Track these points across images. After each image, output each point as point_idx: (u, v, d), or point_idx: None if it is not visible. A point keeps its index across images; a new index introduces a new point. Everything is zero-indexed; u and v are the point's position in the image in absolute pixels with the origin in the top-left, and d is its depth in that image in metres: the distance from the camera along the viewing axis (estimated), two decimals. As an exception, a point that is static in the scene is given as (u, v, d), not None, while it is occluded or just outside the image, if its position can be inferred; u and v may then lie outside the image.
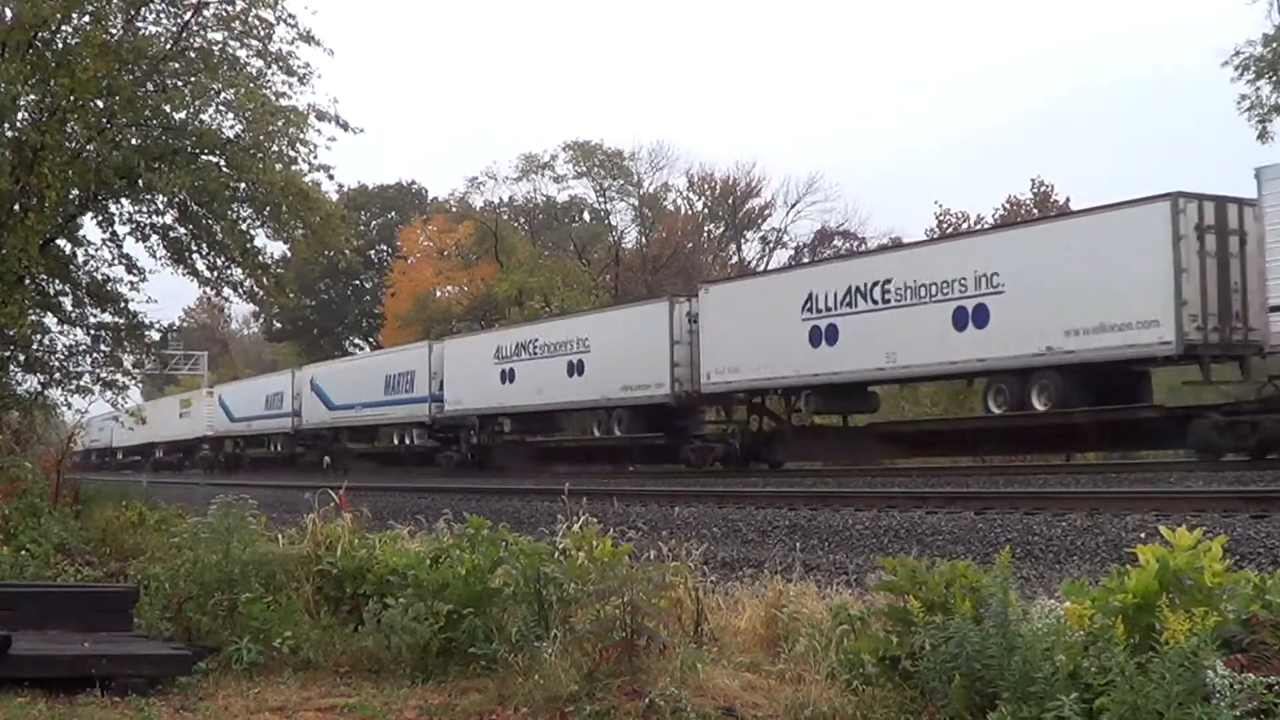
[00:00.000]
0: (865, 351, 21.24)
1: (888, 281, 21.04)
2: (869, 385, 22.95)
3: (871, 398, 24.14)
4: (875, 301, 21.19)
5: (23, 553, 9.20)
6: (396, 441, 35.67)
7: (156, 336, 20.15)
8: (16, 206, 14.62)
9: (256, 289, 18.45)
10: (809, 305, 22.41)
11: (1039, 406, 18.87)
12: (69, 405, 20.83)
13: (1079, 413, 18.57)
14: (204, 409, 46.69)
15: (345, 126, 16.55)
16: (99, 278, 17.71)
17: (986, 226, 26.20)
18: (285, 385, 42.11)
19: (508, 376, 30.12)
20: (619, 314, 29.12)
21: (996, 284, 19.20)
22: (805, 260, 27.61)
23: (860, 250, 26.90)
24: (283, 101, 16.27)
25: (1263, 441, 16.84)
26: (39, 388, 17.74)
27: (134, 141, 16.27)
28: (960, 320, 19.61)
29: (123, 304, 17.74)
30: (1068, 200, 40.53)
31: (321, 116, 16.38)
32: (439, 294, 53.92)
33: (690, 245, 51.10)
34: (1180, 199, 17.11)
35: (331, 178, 17.51)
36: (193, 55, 15.88)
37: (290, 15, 16.04)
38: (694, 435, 26.16)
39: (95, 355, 18.40)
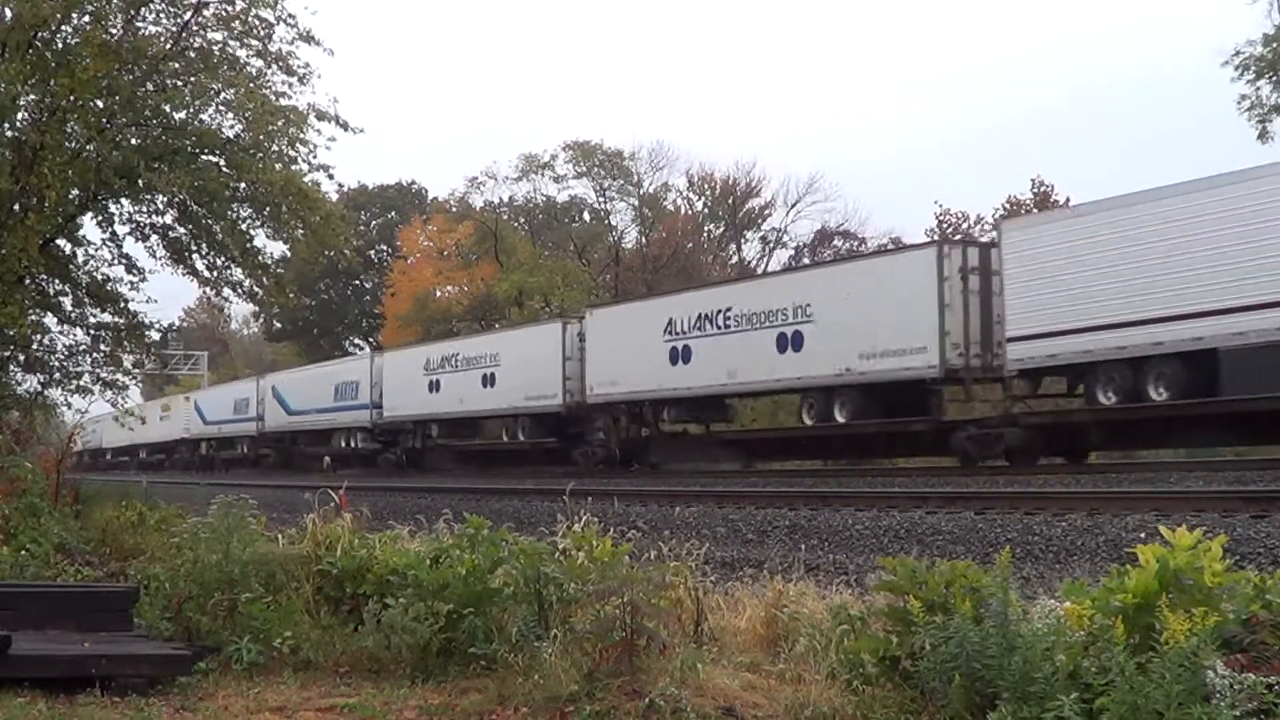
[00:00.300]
0: (713, 369, 24.63)
1: (729, 310, 24.51)
2: (718, 398, 26.02)
3: (727, 408, 27.22)
4: (720, 327, 24.68)
5: (23, 553, 9.20)
6: (343, 444, 39.05)
7: (156, 336, 20.20)
8: (16, 206, 14.63)
9: (256, 289, 18.46)
10: (669, 329, 25.81)
11: (840, 419, 22.27)
12: (69, 405, 20.85)
13: (869, 424, 22.01)
14: (181, 413, 49.42)
15: (345, 126, 16.57)
16: (99, 278, 17.72)
17: (805, 263, 31.52)
18: (251, 392, 45.21)
19: (435, 387, 33.61)
20: (523, 332, 32.81)
21: (809, 314, 22.63)
22: (675, 289, 31.39)
23: (709, 282, 31.43)
24: (283, 101, 16.29)
25: (1008, 450, 19.85)
26: (39, 388, 17.76)
27: (134, 141, 16.27)
28: (782, 344, 23.04)
29: (123, 304, 17.75)
30: (1068, 200, 40.51)
31: (321, 116, 16.40)
32: (439, 294, 53.94)
33: (690, 245, 51.10)
34: (945, 245, 21.00)
35: (331, 177, 17.52)
36: (193, 55, 15.88)
37: (290, 15, 16.07)
38: (585, 440, 28.76)
39: (95, 355, 18.41)
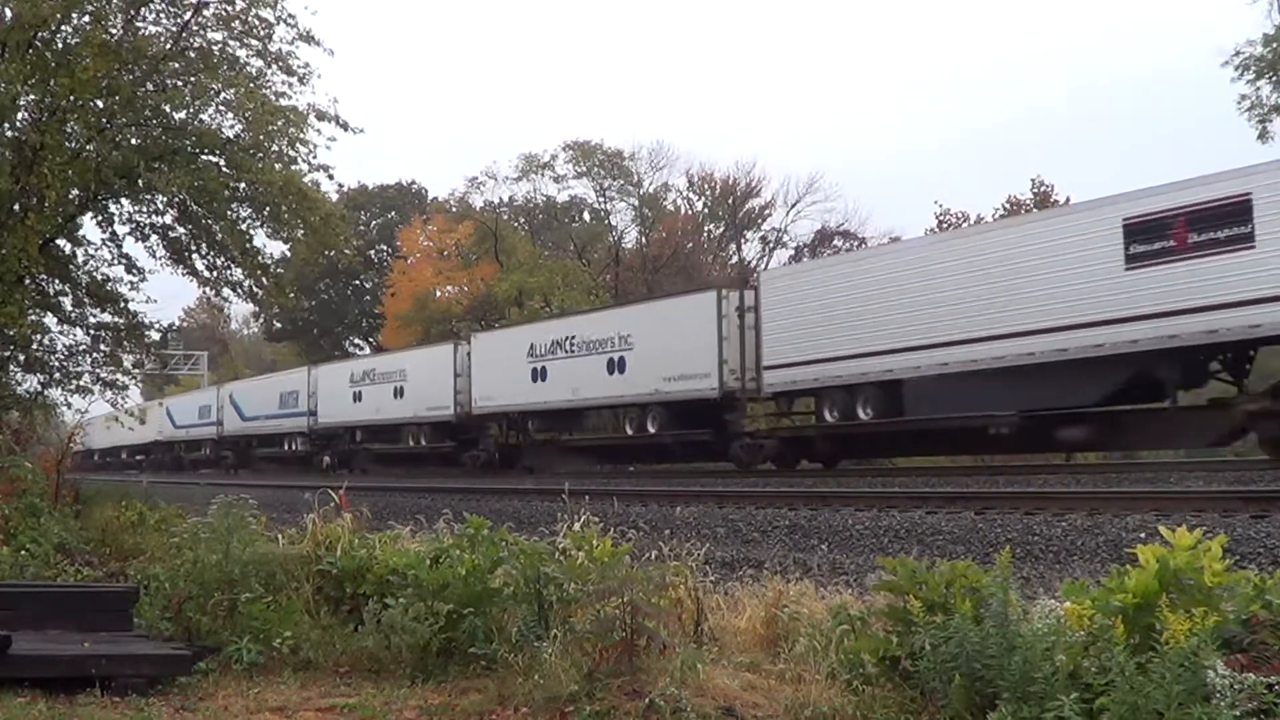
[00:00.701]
0: (562, 387, 29.16)
1: (574, 337, 29.13)
2: (568, 411, 30.18)
3: (580, 419, 31.29)
4: (567, 351, 29.32)
5: (23, 553, 9.20)
6: (286, 448, 43.76)
7: (156, 336, 20.20)
8: (16, 206, 14.63)
9: (256, 289, 18.46)
10: (531, 352, 30.42)
11: (651, 430, 26.88)
12: (69, 405, 20.86)
13: (668, 435, 26.42)
14: (155, 418, 52.00)
15: (345, 126, 16.58)
16: (99, 278, 17.75)
17: (630, 300, 36.54)
18: (212, 399, 49.97)
19: (358, 397, 38.53)
20: (425, 351, 37.56)
21: (630, 343, 27.17)
22: (537, 319, 36.02)
23: (562, 313, 35.10)
24: (282, 101, 16.31)
25: (771, 457, 24.34)
26: (39, 388, 17.78)
27: (134, 141, 16.28)
28: (610, 368, 27.59)
29: (122, 304, 17.77)
30: (1068, 199, 40.55)
31: (321, 116, 16.41)
32: (439, 294, 53.90)
33: (690, 245, 51.07)
34: (724, 289, 25.68)
35: (331, 178, 17.54)
36: (193, 55, 15.89)
37: (290, 15, 16.09)
38: (473, 446, 33.39)
39: (95, 355, 18.43)
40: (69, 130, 14.98)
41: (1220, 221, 16.36)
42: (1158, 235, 17.13)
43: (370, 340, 62.82)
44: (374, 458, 37.75)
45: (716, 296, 25.07)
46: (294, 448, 42.95)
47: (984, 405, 19.36)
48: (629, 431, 28.07)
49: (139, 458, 55.73)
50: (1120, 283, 17.43)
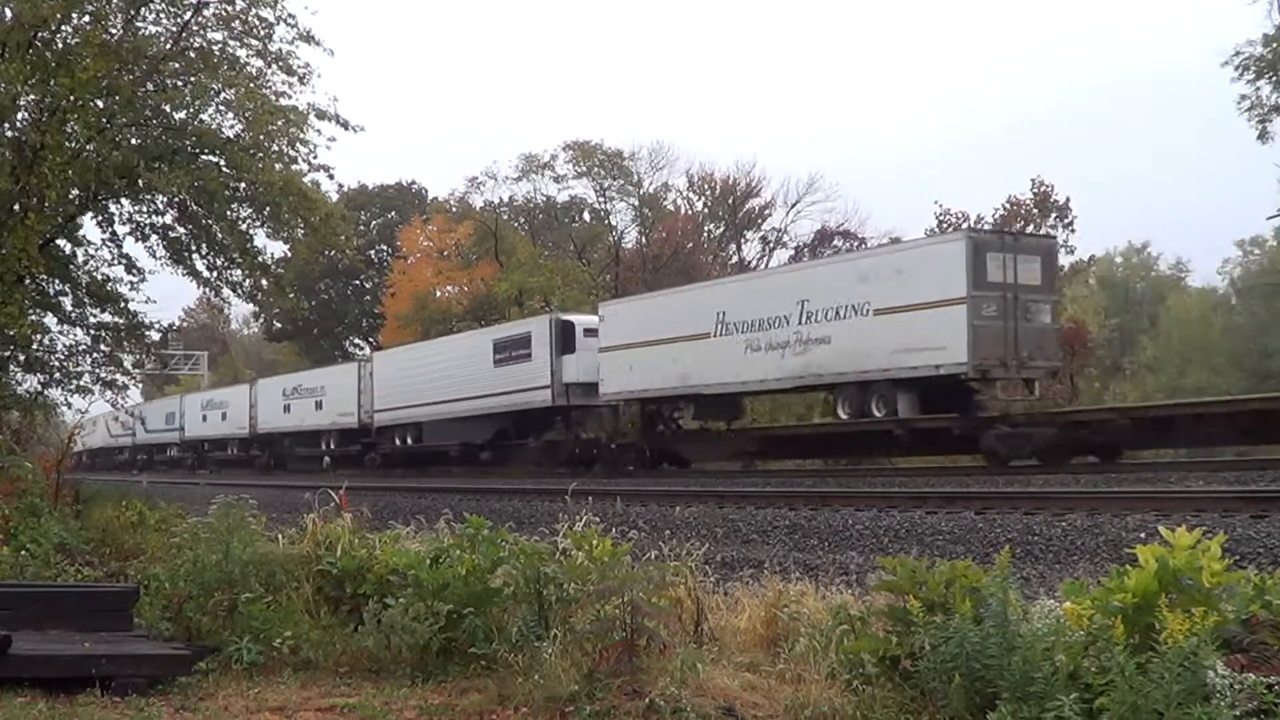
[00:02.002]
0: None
1: (421, 364, 36.49)
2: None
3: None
4: (414, 375, 36.58)
5: (23, 553, 9.19)
6: (231, 451, 51.14)
7: (156, 336, 20.16)
8: (16, 206, 14.62)
9: (255, 289, 18.44)
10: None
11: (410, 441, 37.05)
12: (69, 405, 20.86)
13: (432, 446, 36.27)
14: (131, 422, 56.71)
15: (345, 125, 16.56)
16: (99, 278, 17.73)
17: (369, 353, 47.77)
18: (176, 406, 56.48)
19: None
20: (338, 368, 45.82)
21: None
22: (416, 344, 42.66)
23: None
24: (282, 101, 16.29)
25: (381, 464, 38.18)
26: (39, 388, 17.76)
27: (134, 141, 16.27)
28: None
29: (123, 304, 17.74)
30: (1068, 200, 40.60)
31: (321, 115, 16.39)
32: (439, 294, 53.87)
33: (690, 245, 51.05)
34: (361, 361, 39.52)
35: (331, 177, 17.52)
36: (193, 55, 15.88)
37: (290, 15, 16.07)
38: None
39: (95, 355, 18.41)
40: (69, 130, 14.97)
41: (521, 345, 31.72)
42: (504, 349, 32.44)
43: (370, 340, 62.80)
44: (301, 459, 45.00)
45: (357, 367, 40.81)
46: (235, 450, 51.25)
47: (453, 438, 35.09)
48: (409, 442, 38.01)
49: (122, 457, 60.55)
50: (492, 373, 32.56)
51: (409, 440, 37.56)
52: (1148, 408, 20.30)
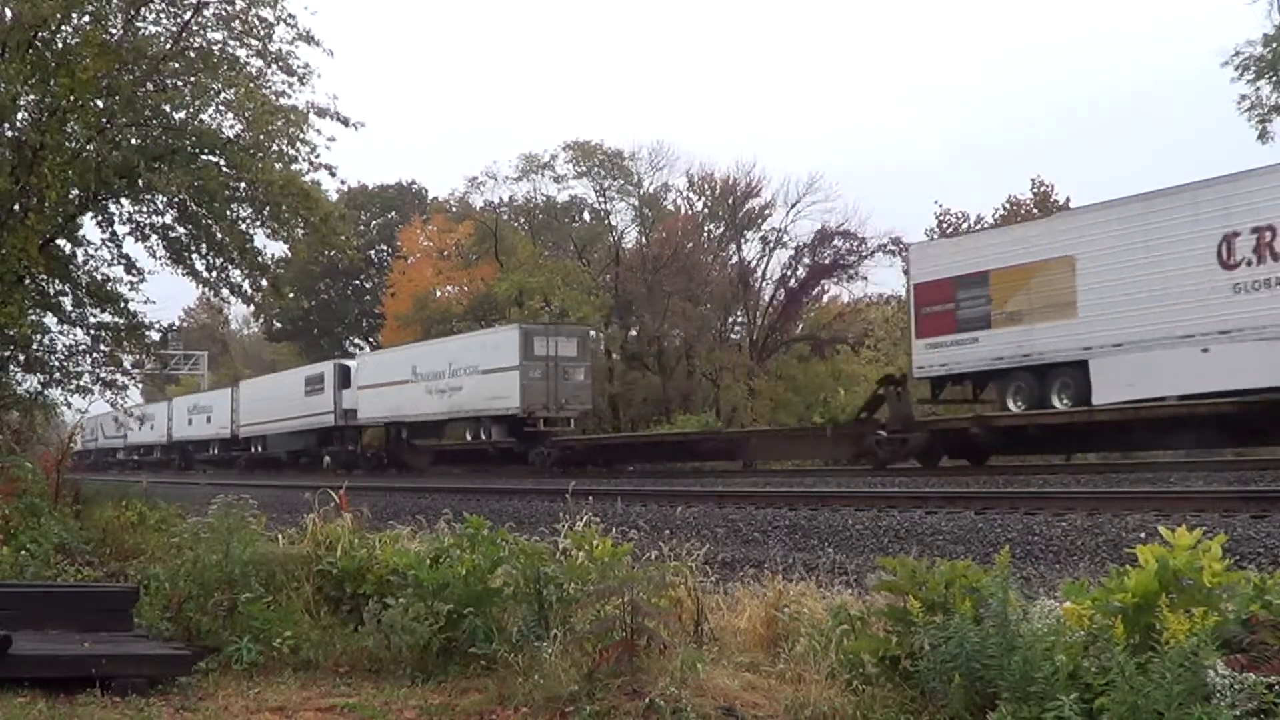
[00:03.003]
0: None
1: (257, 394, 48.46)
2: (260, 436, 47.98)
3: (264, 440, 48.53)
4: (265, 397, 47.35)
5: (23, 553, 9.19)
6: (212, 452, 55.68)
7: (156, 336, 20.13)
8: (16, 206, 14.62)
9: (254, 290, 18.42)
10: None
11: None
12: (69, 405, 20.84)
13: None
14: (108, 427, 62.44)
15: (345, 122, 16.52)
16: (99, 278, 17.70)
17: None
18: (160, 410, 60.42)
19: (190, 422, 55.96)
20: (217, 393, 55.37)
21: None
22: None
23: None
24: (282, 101, 16.27)
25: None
26: (39, 388, 17.74)
27: (134, 141, 16.25)
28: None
29: (122, 304, 17.71)
30: (1068, 200, 40.53)
31: (321, 113, 16.36)
32: (439, 294, 53.83)
33: (690, 245, 50.98)
34: (330, 364, 45.31)
35: (333, 175, 17.47)
36: (193, 55, 15.85)
37: (290, 15, 16.05)
38: (241, 454, 50.02)
39: (95, 355, 18.39)
40: (69, 130, 14.95)
41: (318, 382, 42.76)
42: (311, 384, 43.57)
43: (370, 340, 62.77)
44: (202, 462, 54.13)
45: (230, 391, 51.52)
46: (216, 451, 56.95)
47: (283, 447, 46.50)
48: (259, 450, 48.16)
49: (108, 459, 63.79)
50: (304, 401, 43.54)
51: (260, 449, 49.17)
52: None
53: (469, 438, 35.20)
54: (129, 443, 59.23)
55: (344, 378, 42.06)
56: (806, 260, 47.78)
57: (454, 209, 54.48)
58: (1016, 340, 21.38)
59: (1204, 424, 18.33)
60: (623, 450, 32.35)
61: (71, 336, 18.18)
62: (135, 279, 17.59)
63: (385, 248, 60.89)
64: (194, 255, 17.73)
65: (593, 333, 40.56)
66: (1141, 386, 19.10)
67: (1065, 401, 20.55)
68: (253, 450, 49.52)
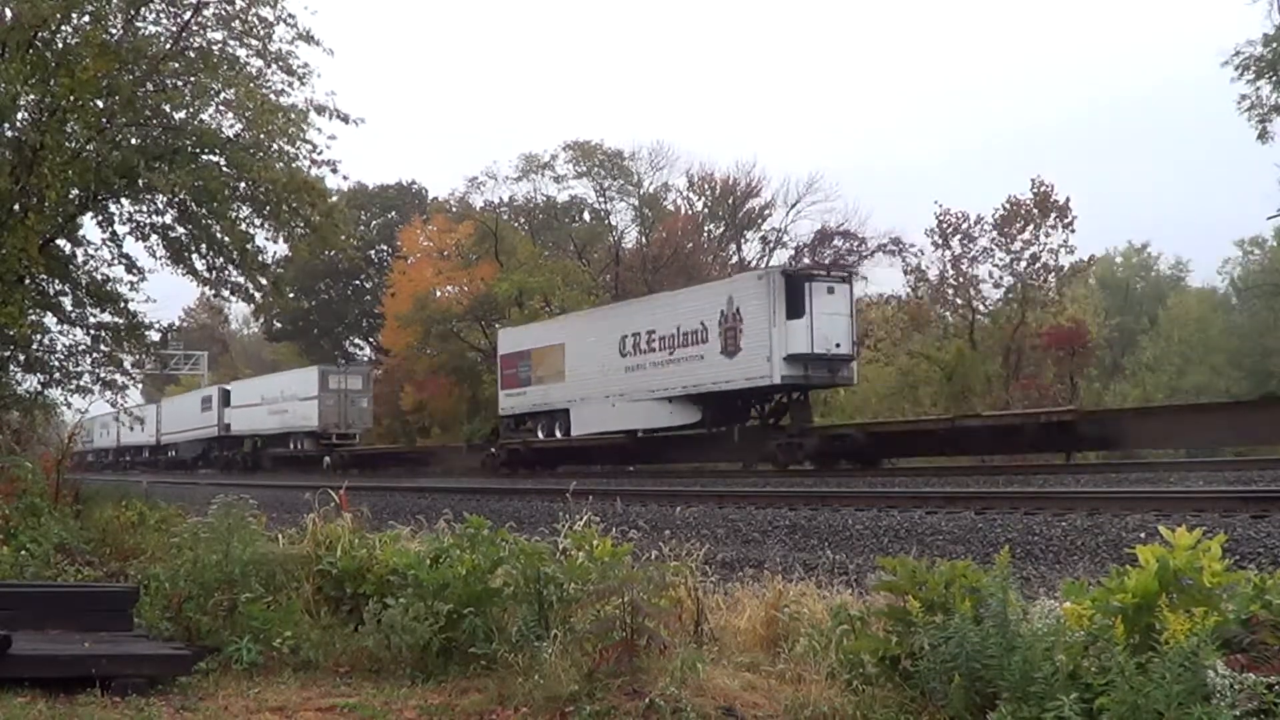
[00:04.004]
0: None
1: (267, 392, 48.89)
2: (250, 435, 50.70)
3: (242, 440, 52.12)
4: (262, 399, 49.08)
5: (23, 553, 9.19)
6: (145, 455, 61.61)
7: (156, 336, 20.11)
8: (16, 206, 14.60)
9: (254, 290, 18.39)
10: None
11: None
12: (69, 405, 20.82)
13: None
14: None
15: (345, 119, 16.46)
16: (99, 278, 17.66)
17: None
18: (151, 413, 63.70)
19: (159, 424, 59.33)
20: (206, 390, 58.24)
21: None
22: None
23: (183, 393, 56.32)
24: (282, 100, 16.25)
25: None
26: (39, 388, 17.72)
27: (134, 141, 16.23)
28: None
29: (122, 304, 17.70)
30: (1067, 200, 40.51)
31: (321, 111, 16.34)
32: (439, 294, 53.79)
33: (690, 245, 50.98)
34: (215, 388, 56.34)
35: (335, 171, 17.43)
36: (192, 55, 15.84)
37: (290, 15, 16.02)
38: (231, 454, 53.10)
39: (95, 355, 18.36)
40: (69, 130, 14.93)
41: (209, 402, 54.90)
42: (204, 403, 54.52)
43: (370, 340, 62.75)
44: (167, 463, 58.64)
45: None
46: (110, 457, 64.21)
47: (190, 453, 57.03)
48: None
49: (90, 459, 66.64)
50: (199, 417, 54.68)
51: (174, 453, 58.57)
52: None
53: (292, 448, 47.99)
54: (95, 446, 63.88)
55: (226, 399, 52.83)
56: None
57: (454, 209, 54.44)
58: (541, 394, 33.24)
59: (613, 448, 31.57)
60: (388, 459, 43.95)
61: (71, 336, 18.17)
62: (135, 279, 17.58)
63: (385, 248, 60.83)
64: (194, 255, 17.73)
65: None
66: (593, 426, 31.13)
67: (558, 433, 32.55)
68: (169, 454, 59.06)
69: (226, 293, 18.56)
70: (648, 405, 28.78)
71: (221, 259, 17.68)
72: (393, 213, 61.39)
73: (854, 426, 27.20)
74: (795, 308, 24.79)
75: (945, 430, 24.23)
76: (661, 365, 28.41)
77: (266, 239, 18.04)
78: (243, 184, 16.56)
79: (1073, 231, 40.38)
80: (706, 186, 52.42)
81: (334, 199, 18.27)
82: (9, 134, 15.30)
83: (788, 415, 27.07)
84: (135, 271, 17.55)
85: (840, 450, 25.08)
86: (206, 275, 17.95)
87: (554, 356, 32.82)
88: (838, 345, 25.05)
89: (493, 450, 35.12)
